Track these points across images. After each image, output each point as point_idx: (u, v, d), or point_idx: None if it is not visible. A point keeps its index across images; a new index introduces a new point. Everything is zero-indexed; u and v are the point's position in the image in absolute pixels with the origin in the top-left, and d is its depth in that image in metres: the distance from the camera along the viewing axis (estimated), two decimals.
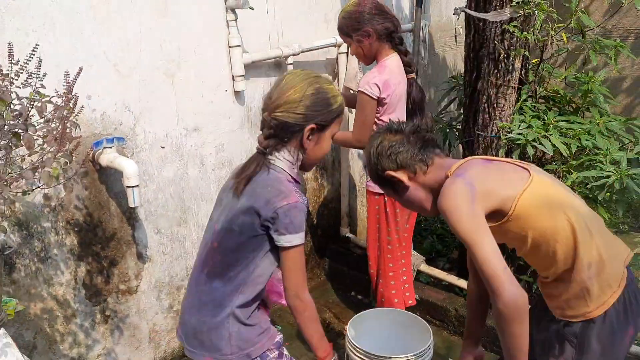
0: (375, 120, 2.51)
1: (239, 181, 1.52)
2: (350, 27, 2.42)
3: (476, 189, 1.39)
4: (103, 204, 2.25)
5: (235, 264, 1.52)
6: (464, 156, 2.86)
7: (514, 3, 2.23)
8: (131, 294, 2.43)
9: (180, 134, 2.46)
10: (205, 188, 2.62)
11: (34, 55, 1.47)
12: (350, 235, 3.40)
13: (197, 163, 2.56)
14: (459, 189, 1.41)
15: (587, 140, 2.34)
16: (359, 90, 2.48)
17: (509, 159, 1.62)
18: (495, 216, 1.43)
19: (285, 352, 1.67)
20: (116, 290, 2.37)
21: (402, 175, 1.53)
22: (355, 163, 3.42)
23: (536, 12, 2.19)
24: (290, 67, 2.79)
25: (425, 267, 3.07)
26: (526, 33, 2.25)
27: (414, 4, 3.27)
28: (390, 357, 2.18)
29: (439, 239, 3.64)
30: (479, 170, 1.46)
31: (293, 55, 2.77)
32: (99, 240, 2.27)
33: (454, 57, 4.07)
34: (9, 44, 1.50)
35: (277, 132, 1.50)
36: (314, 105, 1.49)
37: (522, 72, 2.56)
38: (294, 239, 1.47)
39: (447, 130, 2.98)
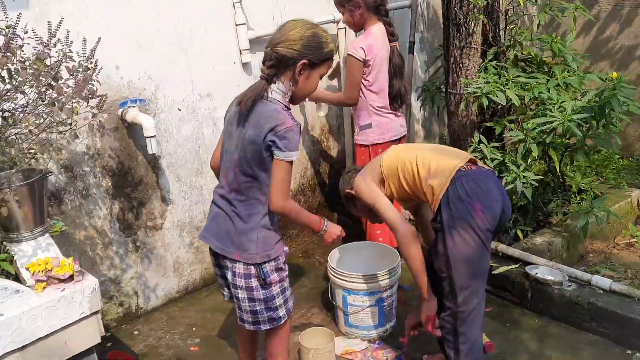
0: (362, 79, 2.94)
1: (244, 103, 1.88)
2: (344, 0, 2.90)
3: (365, 174, 2.25)
4: (132, 154, 2.80)
5: (254, 183, 1.92)
6: (448, 114, 3.22)
7: None
8: (157, 230, 2.98)
9: (195, 99, 2.98)
10: None
11: (60, 26, 1.98)
12: None
13: (210, 124, 3.07)
14: (358, 179, 2.27)
15: (541, 92, 2.65)
16: (347, 54, 2.93)
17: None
18: (383, 182, 2.19)
19: (284, 258, 2.06)
20: (144, 226, 2.92)
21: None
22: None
23: None
24: None
25: None
26: None
27: None
28: (364, 275, 2.60)
29: None
30: (368, 164, 2.31)
31: None
32: (129, 184, 2.83)
33: None
34: (49, 22, 2.04)
35: (276, 63, 1.84)
36: (309, 45, 1.84)
37: (491, 35, 2.88)
38: (290, 155, 1.84)
39: (434, 94, 3.33)
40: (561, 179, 3.40)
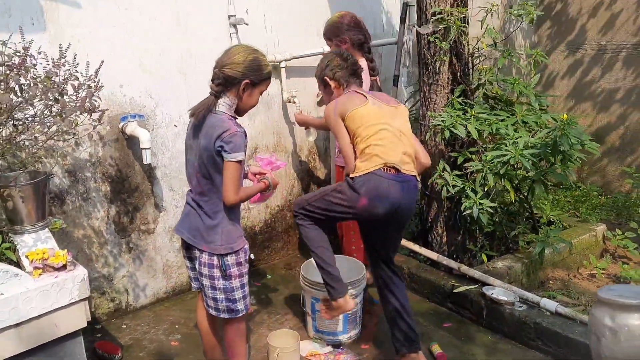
0: None
1: (197, 114, 2.21)
2: (332, 33, 3.23)
3: (338, 105, 2.53)
4: (129, 164, 3.12)
5: (214, 185, 2.22)
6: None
7: (433, 19, 2.90)
8: (149, 234, 3.28)
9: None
10: None
11: (68, 50, 2.31)
12: None
13: None
14: (331, 105, 2.58)
15: (499, 128, 2.93)
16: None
17: (377, 93, 2.77)
18: (344, 120, 2.53)
19: (246, 255, 2.35)
20: (138, 229, 3.23)
21: (332, 83, 2.62)
22: None
23: (451, 26, 2.83)
24: (283, 70, 3.57)
25: None
26: (444, 42, 2.90)
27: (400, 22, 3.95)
28: None
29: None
30: (344, 97, 2.58)
31: (285, 60, 3.55)
32: (125, 190, 3.14)
33: None
34: (60, 45, 2.38)
35: (223, 82, 2.17)
36: (250, 67, 2.17)
37: (459, 74, 3.18)
38: (236, 155, 2.12)
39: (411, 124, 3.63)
40: (528, 210, 3.65)
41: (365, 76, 3.24)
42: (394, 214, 2.46)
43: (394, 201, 2.42)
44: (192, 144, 2.30)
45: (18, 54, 2.15)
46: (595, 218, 4.33)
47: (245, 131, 2.23)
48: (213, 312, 2.36)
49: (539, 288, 3.46)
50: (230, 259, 2.26)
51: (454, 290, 3.18)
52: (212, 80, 2.24)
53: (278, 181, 2.45)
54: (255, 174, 2.48)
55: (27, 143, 2.33)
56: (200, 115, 2.21)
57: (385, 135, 2.44)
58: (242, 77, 2.18)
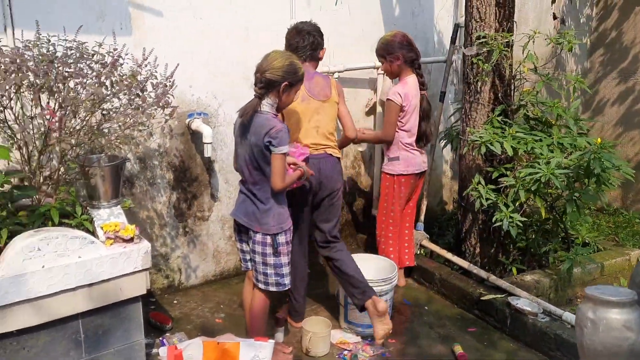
0: (397, 120, 3.46)
1: (245, 115, 2.55)
2: (385, 50, 3.46)
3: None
4: (192, 156, 3.47)
5: (264, 174, 2.56)
6: (459, 157, 3.73)
7: (477, 42, 3.12)
8: (204, 221, 3.62)
9: None
10: None
11: (151, 53, 2.67)
12: None
13: None
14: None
15: (534, 147, 3.11)
16: (387, 99, 3.47)
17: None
18: None
19: (291, 235, 2.70)
20: (194, 216, 3.57)
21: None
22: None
23: (494, 50, 3.04)
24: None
25: (426, 243, 3.92)
26: (486, 65, 3.11)
27: (450, 42, 4.18)
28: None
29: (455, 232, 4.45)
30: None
31: (338, 72, 3.83)
32: (186, 180, 3.49)
33: None
34: (144, 49, 2.75)
35: (265, 85, 2.50)
36: (288, 70, 2.50)
37: (500, 95, 3.38)
38: (282, 149, 2.47)
39: (453, 139, 3.84)
40: (562, 229, 3.78)
41: (415, 90, 3.47)
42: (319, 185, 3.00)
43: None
44: (242, 141, 2.62)
45: (110, 54, 2.52)
46: (633, 244, 4.39)
47: (288, 127, 2.53)
48: (262, 286, 2.70)
49: (567, 305, 3.58)
50: (281, 238, 2.60)
51: (481, 298, 3.36)
52: (255, 84, 2.56)
53: (312, 171, 2.79)
54: (289, 164, 2.76)
55: (108, 130, 2.70)
56: (249, 116, 2.54)
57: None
58: (281, 80, 2.50)
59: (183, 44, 3.27)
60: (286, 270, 2.67)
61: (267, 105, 2.56)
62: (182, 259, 3.60)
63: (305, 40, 3.12)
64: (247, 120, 2.55)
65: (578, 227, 4.21)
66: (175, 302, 3.52)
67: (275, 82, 2.51)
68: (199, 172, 3.53)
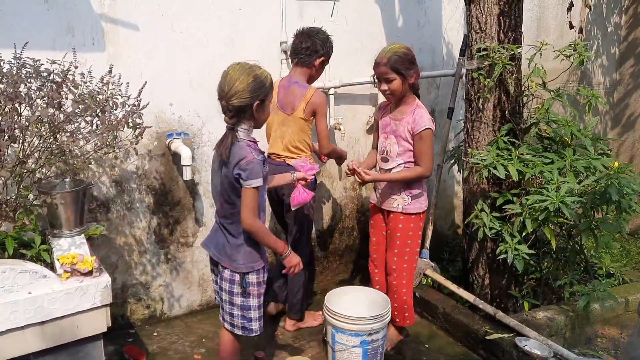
0: None
1: (222, 151, 2.26)
2: (403, 65, 2.79)
3: None
4: (173, 178, 3.25)
5: (235, 208, 2.30)
6: (462, 180, 3.40)
7: (478, 55, 2.80)
8: (188, 247, 3.39)
9: None
10: None
11: (110, 73, 2.47)
12: None
13: None
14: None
15: (542, 171, 2.78)
16: (426, 128, 2.83)
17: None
18: None
19: (265, 276, 2.42)
20: (177, 242, 3.35)
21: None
22: None
23: (497, 64, 2.73)
24: (332, 97, 3.59)
25: (430, 272, 3.59)
26: (488, 80, 2.79)
27: (459, 54, 3.87)
28: (351, 316, 2.82)
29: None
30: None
31: (334, 87, 3.57)
32: (168, 203, 3.27)
33: None
34: (110, 65, 2.55)
35: (235, 113, 2.21)
36: (254, 88, 2.17)
37: (507, 112, 3.05)
38: (252, 182, 2.19)
39: (459, 158, 3.52)
40: (582, 258, 3.41)
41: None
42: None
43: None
44: (217, 170, 2.37)
45: (57, 73, 2.32)
46: None
47: (263, 159, 2.27)
48: (228, 327, 2.44)
49: (585, 345, 3.22)
50: (251, 278, 2.34)
51: (487, 337, 3.03)
52: (225, 113, 2.27)
53: (299, 264, 2.46)
54: (297, 180, 2.73)
55: (69, 152, 2.50)
56: (226, 155, 2.25)
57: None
58: (251, 102, 2.20)
59: (162, 58, 3.07)
60: (255, 314, 2.38)
61: (242, 131, 2.28)
62: (164, 288, 3.37)
63: (303, 43, 3.03)
64: (226, 157, 2.25)
65: (602, 254, 3.82)
66: (155, 334, 3.29)
67: (246, 107, 2.22)
68: (181, 195, 3.31)
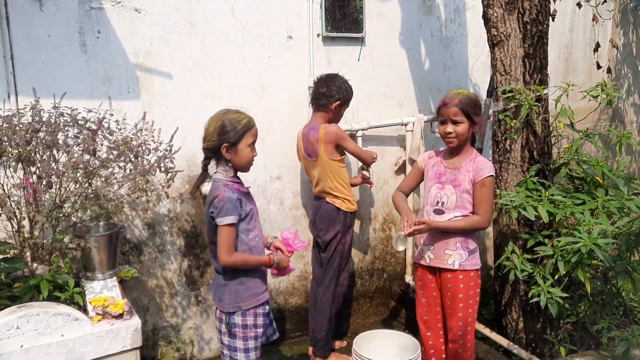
0: None
1: (192, 192, 2.60)
2: (474, 110, 2.60)
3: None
4: (204, 221, 3.30)
5: (217, 247, 2.30)
6: (492, 222, 3.35)
7: (503, 97, 2.81)
8: None
9: (266, 180, 3.45)
10: (282, 221, 3.55)
11: (144, 119, 2.57)
12: (412, 282, 3.97)
13: (277, 202, 3.51)
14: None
15: (573, 212, 2.73)
16: (490, 176, 2.61)
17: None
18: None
19: (263, 319, 2.39)
20: (207, 284, 3.38)
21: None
22: None
23: (522, 105, 2.73)
24: (359, 139, 3.63)
25: None
26: (514, 121, 2.79)
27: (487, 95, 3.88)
28: None
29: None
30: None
31: (362, 130, 3.62)
32: (199, 246, 3.32)
33: None
34: (144, 112, 2.65)
35: (207, 155, 2.34)
36: (221, 132, 2.25)
37: (535, 153, 3.03)
38: (223, 220, 2.23)
39: None
40: (620, 302, 3.30)
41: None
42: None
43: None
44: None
45: (93, 122, 2.43)
46: None
47: (238, 197, 2.28)
48: None
49: None
50: (237, 319, 2.34)
51: None
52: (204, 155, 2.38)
53: (287, 264, 2.48)
54: (276, 248, 2.54)
55: (104, 197, 2.58)
56: (194, 193, 2.57)
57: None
58: (218, 144, 2.28)
59: (194, 105, 3.17)
60: (242, 356, 2.35)
61: (219, 172, 2.36)
62: (194, 330, 3.39)
63: (320, 89, 3.19)
64: (193, 196, 2.51)
65: None
66: None
67: (214, 149, 2.31)
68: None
